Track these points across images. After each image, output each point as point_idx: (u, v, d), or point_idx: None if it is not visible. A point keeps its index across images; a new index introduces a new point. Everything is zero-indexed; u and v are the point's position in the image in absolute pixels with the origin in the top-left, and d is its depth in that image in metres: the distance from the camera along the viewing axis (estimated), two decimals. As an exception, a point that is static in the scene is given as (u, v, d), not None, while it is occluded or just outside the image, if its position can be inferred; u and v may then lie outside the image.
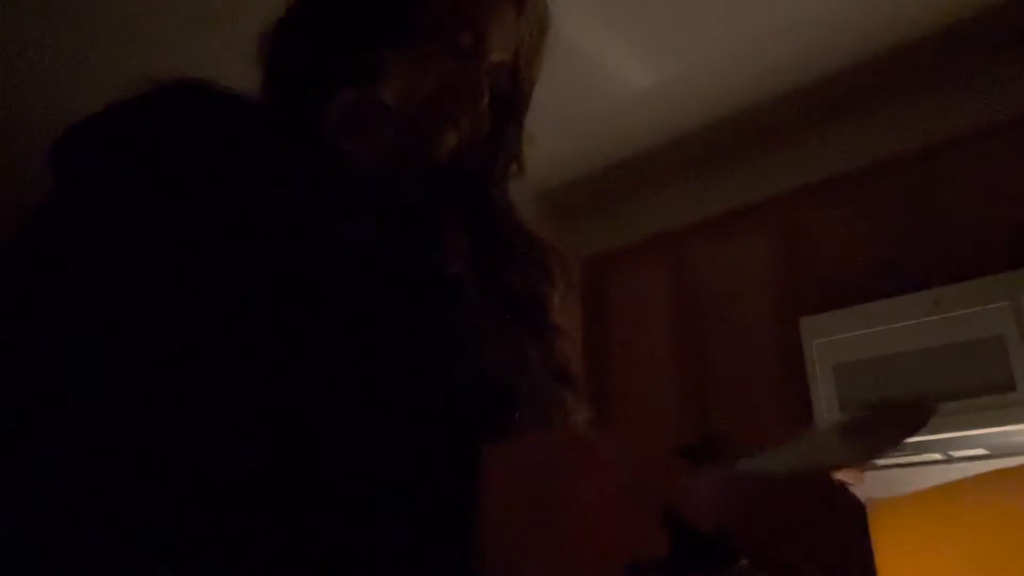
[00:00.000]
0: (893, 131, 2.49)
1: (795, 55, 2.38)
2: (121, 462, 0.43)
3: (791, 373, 2.21)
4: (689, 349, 2.52)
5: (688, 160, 2.90)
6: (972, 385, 1.87)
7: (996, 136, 2.10)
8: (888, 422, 0.51)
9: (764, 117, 2.67)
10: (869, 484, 2.32)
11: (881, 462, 2.22)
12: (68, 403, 0.44)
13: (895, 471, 2.27)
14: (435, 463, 0.42)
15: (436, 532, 0.40)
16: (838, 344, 2.10)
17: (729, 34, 2.29)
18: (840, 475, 0.64)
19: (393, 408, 0.51)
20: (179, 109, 0.58)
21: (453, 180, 0.71)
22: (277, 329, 0.50)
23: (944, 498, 2.07)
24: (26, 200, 0.52)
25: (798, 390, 2.17)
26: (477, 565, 0.39)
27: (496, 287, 0.67)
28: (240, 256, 0.52)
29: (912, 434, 0.49)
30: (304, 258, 0.53)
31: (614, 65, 2.42)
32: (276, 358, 0.49)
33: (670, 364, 2.54)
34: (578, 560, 0.40)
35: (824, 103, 2.59)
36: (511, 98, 0.72)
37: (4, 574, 0.41)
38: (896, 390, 1.98)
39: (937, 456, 2.13)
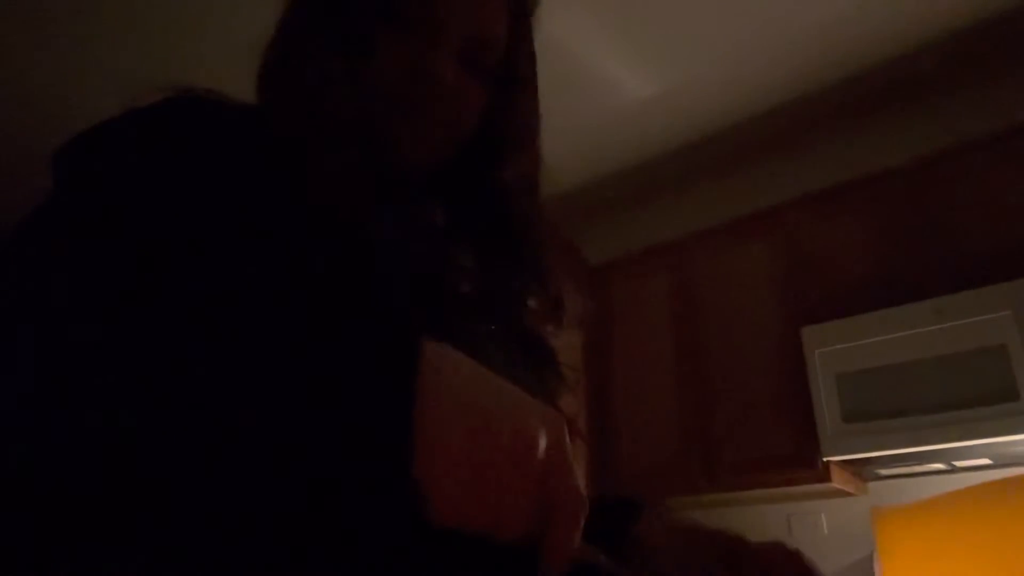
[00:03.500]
0: (894, 141, 2.50)
1: (796, 66, 2.39)
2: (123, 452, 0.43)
3: (793, 382, 2.21)
4: (691, 358, 2.51)
5: (690, 170, 2.91)
6: (975, 395, 1.86)
7: (997, 145, 2.10)
8: None
9: (765, 127, 2.67)
10: (874, 494, 2.32)
11: (885, 472, 2.22)
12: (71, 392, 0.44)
13: (899, 481, 2.27)
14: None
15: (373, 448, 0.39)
16: (840, 354, 2.10)
17: (730, 45, 2.30)
18: None
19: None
20: (186, 121, 0.58)
21: (462, 183, 0.69)
22: (276, 338, 0.50)
23: (948, 508, 2.07)
24: (23, 205, 0.52)
25: (800, 400, 2.17)
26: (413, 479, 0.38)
27: (490, 301, 0.66)
28: (242, 265, 0.52)
29: None
30: (310, 269, 0.53)
31: (616, 76, 2.43)
32: (275, 368, 0.49)
33: (672, 373, 2.54)
34: (501, 480, 0.39)
35: (825, 113, 2.60)
36: (506, 76, 0.68)
37: None
38: (898, 400, 1.98)
39: (941, 466, 2.12)
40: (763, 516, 2.47)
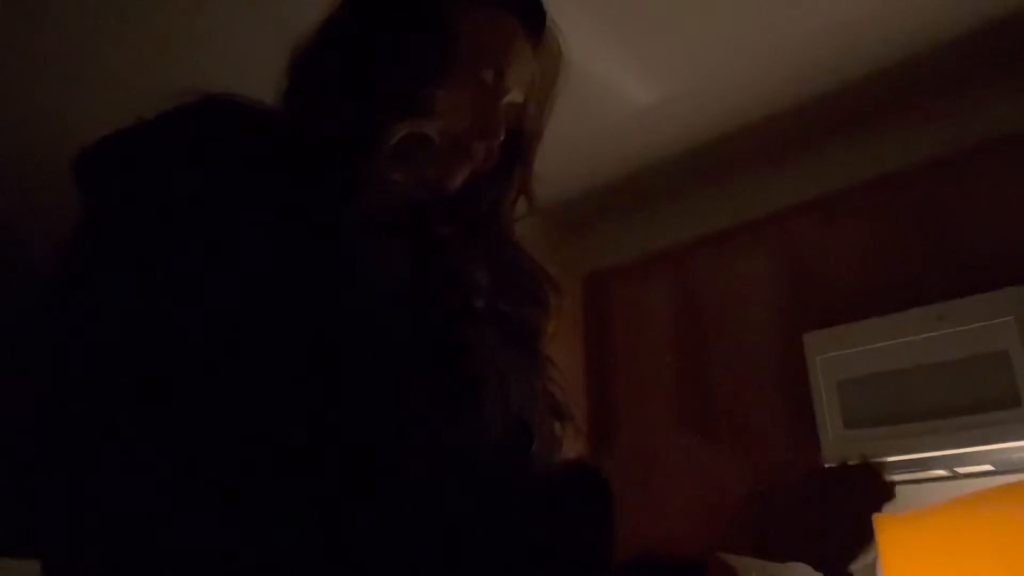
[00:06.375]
0: (895, 147, 2.49)
1: (796, 72, 2.39)
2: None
3: (794, 389, 2.21)
4: (691, 366, 2.51)
5: (690, 176, 2.91)
6: (976, 401, 1.86)
7: (999, 151, 2.10)
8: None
9: (765, 134, 2.67)
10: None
11: (885, 477, 2.21)
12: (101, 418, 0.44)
13: (901, 487, 2.25)
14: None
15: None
16: (842, 360, 2.09)
17: (730, 52, 2.30)
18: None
19: (427, 444, 0.52)
20: (207, 126, 0.57)
21: (466, 215, 0.72)
22: (302, 353, 0.50)
23: (951, 514, 2.05)
24: (33, 203, 0.52)
25: (802, 406, 2.16)
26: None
27: (496, 316, 0.67)
28: (267, 277, 0.51)
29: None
30: (335, 282, 0.53)
31: (615, 83, 2.43)
32: (303, 382, 0.49)
33: (672, 380, 2.53)
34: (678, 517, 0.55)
35: (825, 120, 2.59)
36: (521, 137, 0.73)
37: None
38: (900, 406, 1.97)
39: (942, 472, 2.11)
40: (764, 523, 2.46)
